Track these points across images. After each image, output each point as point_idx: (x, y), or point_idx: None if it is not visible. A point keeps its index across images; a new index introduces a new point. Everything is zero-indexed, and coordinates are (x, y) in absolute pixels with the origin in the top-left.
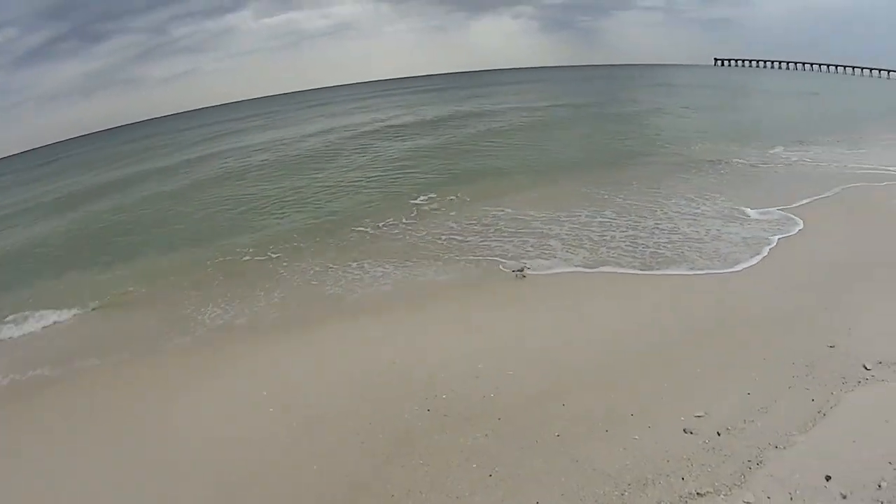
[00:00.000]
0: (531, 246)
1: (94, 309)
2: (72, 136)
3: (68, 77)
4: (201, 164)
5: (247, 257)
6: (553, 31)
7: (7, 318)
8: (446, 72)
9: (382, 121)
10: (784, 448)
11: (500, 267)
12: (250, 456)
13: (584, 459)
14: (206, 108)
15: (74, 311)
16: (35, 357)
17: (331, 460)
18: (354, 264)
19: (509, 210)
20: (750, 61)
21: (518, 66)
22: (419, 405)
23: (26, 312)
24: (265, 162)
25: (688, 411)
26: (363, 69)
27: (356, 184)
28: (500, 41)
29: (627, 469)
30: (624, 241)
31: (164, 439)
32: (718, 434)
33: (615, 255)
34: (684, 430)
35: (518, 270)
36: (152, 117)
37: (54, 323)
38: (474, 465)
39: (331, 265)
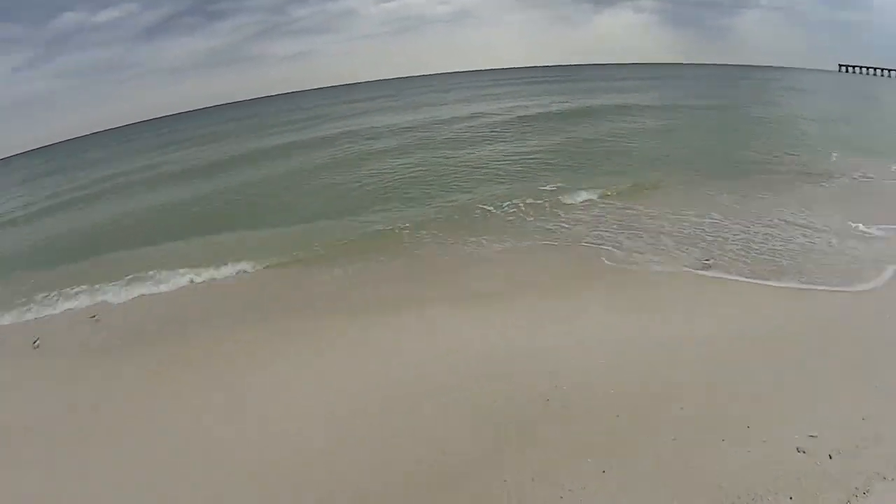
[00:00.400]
0: (645, 242)
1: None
2: (192, 109)
3: (190, 52)
4: (336, 141)
5: (384, 229)
6: (674, 27)
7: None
8: (566, 63)
9: (508, 111)
10: (893, 480)
11: (683, 267)
12: (360, 429)
13: (698, 467)
14: (324, 88)
15: (240, 267)
16: (182, 311)
17: (442, 441)
18: (474, 244)
19: (639, 207)
20: (878, 69)
21: (637, 62)
22: (538, 394)
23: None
24: (402, 144)
25: (802, 430)
26: (482, 57)
27: (485, 168)
28: (620, 34)
29: (739, 482)
30: (736, 246)
31: (286, 405)
32: (830, 457)
33: (727, 260)
34: (797, 449)
35: (706, 261)
36: (270, 94)
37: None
38: (588, 460)
39: (457, 242)
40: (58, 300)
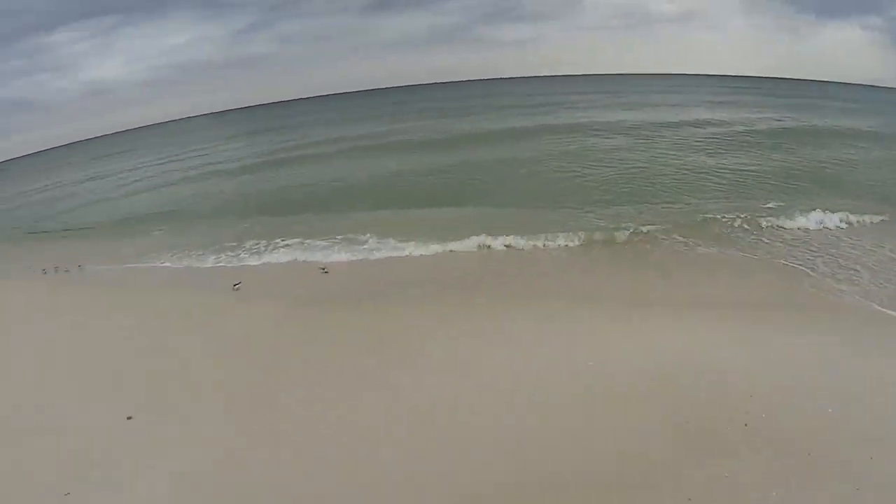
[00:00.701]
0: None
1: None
2: (408, 84)
3: (413, 29)
4: (564, 131)
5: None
6: None
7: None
8: (787, 76)
9: (730, 121)
10: None
11: None
12: (550, 418)
13: None
14: (544, 77)
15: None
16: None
17: (637, 447)
18: (700, 251)
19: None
20: None
21: (860, 82)
22: (738, 419)
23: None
24: (628, 144)
25: None
26: (703, 61)
27: (707, 177)
28: (843, 52)
29: None
30: None
31: (490, 376)
32: None
33: None
34: None
35: None
36: (489, 78)
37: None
38: (774, 494)
39: (677, 245)
40: (268, 249)
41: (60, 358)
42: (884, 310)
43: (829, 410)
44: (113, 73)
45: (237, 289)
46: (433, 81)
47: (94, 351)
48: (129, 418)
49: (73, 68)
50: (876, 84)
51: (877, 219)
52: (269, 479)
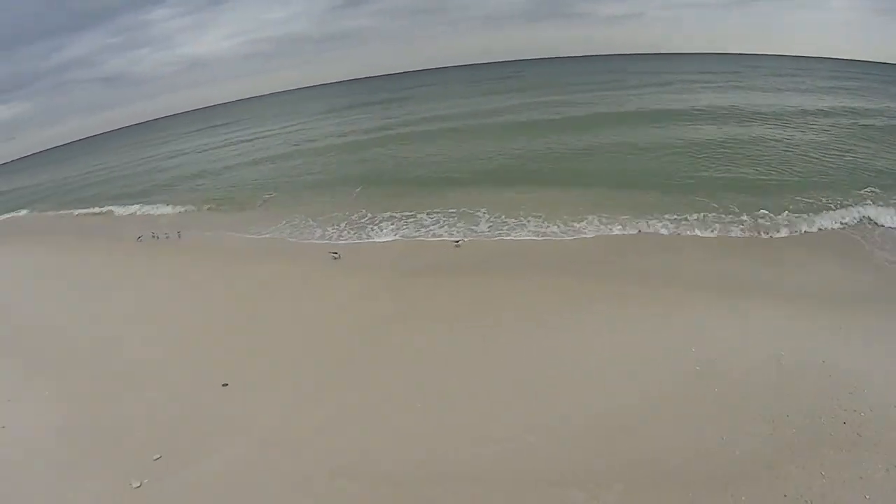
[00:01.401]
0: None
1: None
2: (507, 60)
3: (511, 3)
4: (704, 115)
5: None
6: None
7: None
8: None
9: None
10: None
11: None
12: (658, 403)
13: None
14: (648, 54)
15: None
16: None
17: (737, 437)
18: None
19: None
20: None
21: None
22: (837, 415)
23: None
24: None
25: None
26: (810, 41)
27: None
28: None
29: None
30: None
31: (603, 359)
32: None
33: None
34: None
35: None
36: (592, 54)
37: None
38: (867, 496)
39: None
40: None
41: (162, 322)
42: None
43: None
44: (211, 47)
45: (336, 258)
46: (531, 57)
47: (193, 317)
48: (224, 385)
49: (172, 43)
50: None
51: None
52: (363, 447)
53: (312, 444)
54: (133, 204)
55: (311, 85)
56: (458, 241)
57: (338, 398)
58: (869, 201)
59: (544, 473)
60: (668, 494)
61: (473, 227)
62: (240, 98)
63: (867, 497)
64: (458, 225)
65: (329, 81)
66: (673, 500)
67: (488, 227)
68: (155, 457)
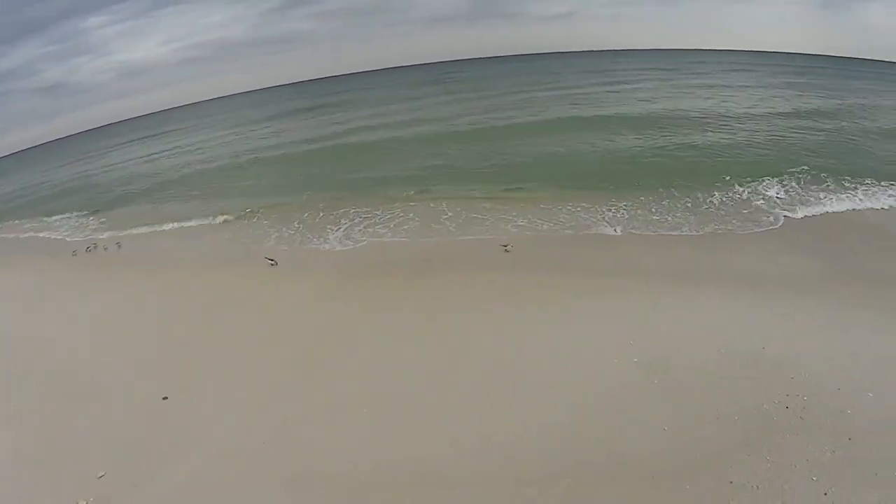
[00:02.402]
0: None
1: None
2: (445, 60)
3: (449, 4)
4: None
5: None
6: None
7: None
8: (832, 54)
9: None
10: None
11: None
12: (605, 399)
13: None
14: (585, 52)
15: None
16: None
17: (682, 428)
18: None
19: None
20: None
21: None
22: (779, 400)
23: None
24: None
25: None
26: (740, 37)
27: None
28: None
29: None
30: None
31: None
32: None
33: None
34: None
35: None
36: (528, 53)
37: None
38: (814, 478)
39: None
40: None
41: (105, 338)
42: None
43: (870, 395)
44: (147, 54)
45: (273, 265)
46: (470, 57)
47: (137, 331)
48: (164, 398)
49: (108, 51)
50: None
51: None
52: (318, 455)
53: (266, 455)
54: (65, 217)
55: (251, 90)
56: (507, 246)
57: (291, 405)
58: (818, 189)
59: (500, 472)
60: (615, 488)
61: (431, 227)
62: (179, 105)
63: (814, 479)
64: (403, 227)
65: (268, 86)
66: (619, 493)
67: (433, 229)
68: (99, 474)
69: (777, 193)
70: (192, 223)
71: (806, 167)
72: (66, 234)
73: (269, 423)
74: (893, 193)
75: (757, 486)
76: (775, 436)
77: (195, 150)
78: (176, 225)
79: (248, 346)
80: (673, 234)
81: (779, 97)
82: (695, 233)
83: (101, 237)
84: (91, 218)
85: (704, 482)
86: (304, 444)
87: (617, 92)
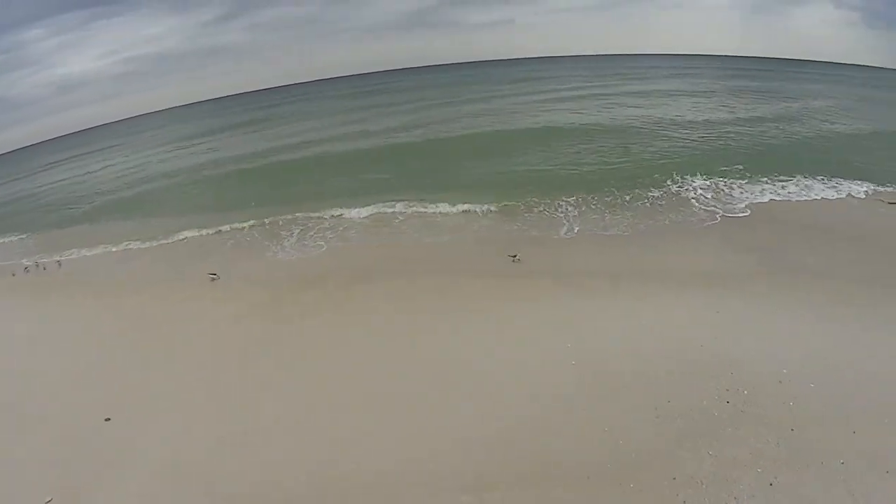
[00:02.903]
0: None
1: None
2: (383, 70)
3: (385, 14)
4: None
5: None
6: (875, 27)
7: None
8: (764, 56)
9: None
10: None
11: None
12: (542, 400)
13: (861, 495)
14: (523, 59)
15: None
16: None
17: (621, 426)
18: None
19: None
20: None
21: (832, 61)
22: (719, 395)
23: None
24: None
25: None
26: (674, 40)
27: None
28: (815, 30)
29: None
30: None
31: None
32: None
33: None
34: None
35: None
36: (465, 61)
37: None
38: (759, 470)
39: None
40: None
41: (43, 360)
42: (862, 282)
43: (811, 385)
44: (86, 67)
45: (215, 279)
46: (408, 66)
47: (76, 353)
48: (107, 420)
49: (47, 64)
50: (845, 62)
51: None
52: (257, 471)
53: (204, 473)
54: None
55: (190, 102)
56: (515, 256)
57: (227, 422)
58: (752, 186)
59: (437, 482)
60: (554, 491)
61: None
62: (119, 119)
63: (759, 471)
64: (329, 237)
65: (207, 98)
66: (559, 495)
67: (376, 238)
68: (46, 500)
69: (714, 192)
70: (132, 242)
71: (740, 166)
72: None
73: (211, 437)
74: (822, 188)
75: (701, 482)
76: (717, 431)
77: (134, 168)
78: (115, 245)
79: (189, 362)
80: (608, 233)
81: (712, 100)
82: (628, 233)
83: (40, 259)
84: (29, 239)
85: (647, 480)
86: (245, 458)
87: (551, 101)
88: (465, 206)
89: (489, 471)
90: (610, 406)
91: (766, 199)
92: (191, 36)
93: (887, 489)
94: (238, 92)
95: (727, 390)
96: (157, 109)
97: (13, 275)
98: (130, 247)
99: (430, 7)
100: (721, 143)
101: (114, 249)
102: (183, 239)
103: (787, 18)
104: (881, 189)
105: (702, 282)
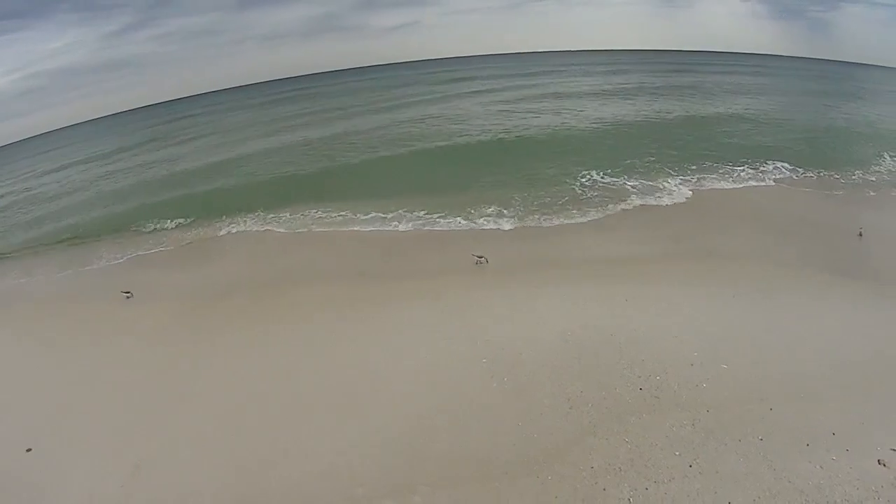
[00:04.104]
0: None
1: None
2: (290, 76)
3: (289, 20)
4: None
5: None
6: (780, 19)
7: None
8: (669, 48)
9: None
10: None
11: None
12: (455, 399)
13: (782, 469)
14: (429, 60)
15: None
16: None
17: (535, 420)
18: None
19: None
20: None
21: (741, 51)
22: (632, 383)
23: None
24: None
25: (886, 442)
26: (584, 37)
27: None
28: (724, 22)
29: (820, 488)
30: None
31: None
32: None
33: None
34: (879, 462)
35: None
36: (370, 65)
37: None
38: (677, 453)
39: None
40: None
41: None
42: (771, 263)
43: (724, 366)
44: None
45: (129, 297)
46: (314, 72)
47: None
48: (28, 450)
49: None
50: (753, 52)
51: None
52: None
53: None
54: None
55: (96, 117)
56: (480, 258)
57: (145, 444)
58: (662, 176)
59: (354, 489)
60: (473, 487)
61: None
62: (24, 137)
63: (677, 453)
64: (251, 251)
65: (113, 112)
66: (478, 492)
67: (274, 251)
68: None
69: (613, 182)
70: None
71: (652, 158)
72: None
73: (125, 466)
74: (731, 176)
75: (619, 468)
76: (632, 417)
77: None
78: (23, 267)
79: (103, 385)
80: (514, 228)
81: (621, 93)
82: (536, 227)
83: None
84: None
85: (565, 471)
86: (161, 485)
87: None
88: (373, 214)
89: (408, 474)
90: (523, 400)
91: (677, 188)
92: (95, 49)
93: (808, 461)
94: (145, 104)
95: (639, 377)
96: (59, 127)
97: None
98: (37, 263)
99: (336, 12)
100: (628, 133)
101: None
102: (84, 259)
103: (695, 12)
104: (798, 171)
105: (611, 271)
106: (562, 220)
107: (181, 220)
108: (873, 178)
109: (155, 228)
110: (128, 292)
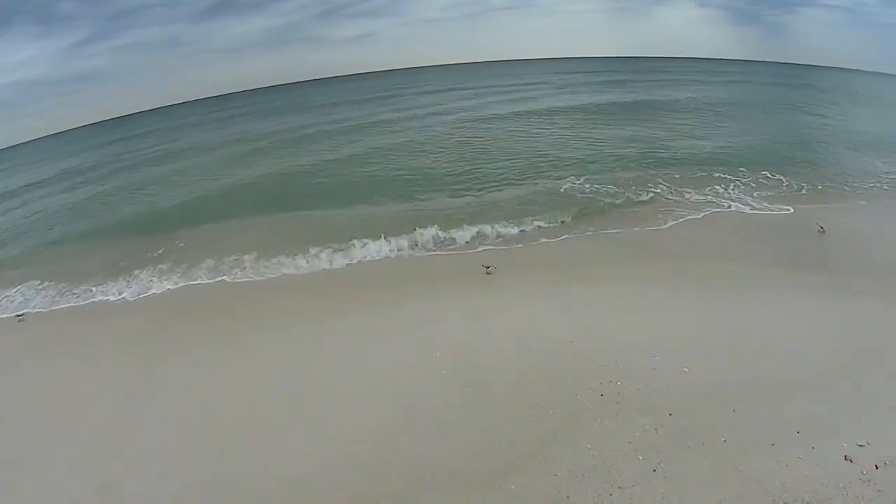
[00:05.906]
0: None
1: None
2: (249, 89)
3: (248, 32)
4: None
5: None
6: (737, 23)
7: None
8: (627, 55)
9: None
10: None
11: None
12: (415, 411)
13: (747, 470)
14: (386, 70)
15: None
16: None
17: (496, 430)
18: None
19: None
20: None
21: (699, 56)
22: (593, 388)
23: None
24: None
25: (852, 438)
26: (542, 46)
27: None
28: (682, 28)
29: (786, 487)
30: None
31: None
32: (876, 467)
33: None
34: (845, 457)
35: None
36: (330, 76)
37: None
38: (640, 458)
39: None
40: None
41: None
42: (733, 263)
43: (685, 370)
44: None
45: (21, 320)
46: (273, 84)
47: None
48: None
49: None
50: (711, 57)
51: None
52: None
53: None
54: None
55: (58, 132)
56: (489, 267)
57: (102, 470)
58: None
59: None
60: (436, 500)
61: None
62: None
63: (641, 458)
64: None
65: (71, 127)
66: None
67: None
68: None
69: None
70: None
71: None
72: None
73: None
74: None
75: (583, 475)
76: (594, 424)
77: None
78: None
79: (50, 413)
80: (467, 240)
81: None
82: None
83: None
84: None
85: (527, 480)
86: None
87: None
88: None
89: (368, 489)
90: (483, 411)
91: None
92: (52, 63)
93: (773, 460)
94: (107, 118)
95: (600, 383)
96: (20, 142)
97: None
98: None
99: (294, 24)
100: (584, 139)
101: None
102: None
103: (654, 19)
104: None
105: (570, 277)
106: (522, 227)
107: None
108: (830, 176)
109: None
110: (20, 315)
